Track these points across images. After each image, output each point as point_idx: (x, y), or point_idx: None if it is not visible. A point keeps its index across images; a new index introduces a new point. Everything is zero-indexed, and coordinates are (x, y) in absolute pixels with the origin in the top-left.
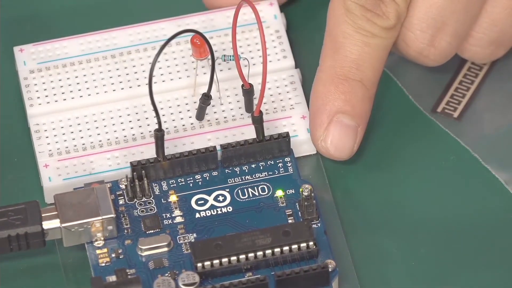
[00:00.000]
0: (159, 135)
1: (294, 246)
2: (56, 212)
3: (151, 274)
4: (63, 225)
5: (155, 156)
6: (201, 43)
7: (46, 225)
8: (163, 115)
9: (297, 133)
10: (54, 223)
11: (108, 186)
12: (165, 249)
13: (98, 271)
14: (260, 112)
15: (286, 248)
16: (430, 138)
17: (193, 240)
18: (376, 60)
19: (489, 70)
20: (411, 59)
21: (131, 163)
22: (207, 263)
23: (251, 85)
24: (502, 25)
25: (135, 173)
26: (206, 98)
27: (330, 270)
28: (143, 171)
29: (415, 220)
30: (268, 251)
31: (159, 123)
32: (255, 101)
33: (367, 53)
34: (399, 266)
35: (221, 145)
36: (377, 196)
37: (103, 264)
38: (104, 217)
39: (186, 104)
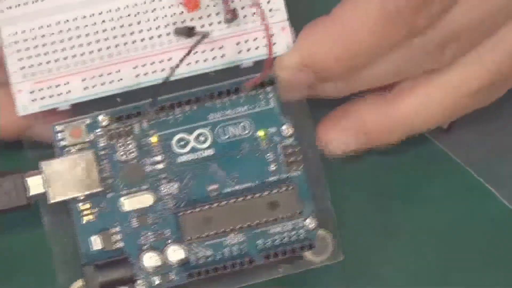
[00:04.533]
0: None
1: (282, 216)
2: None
3: (135, 233)
4: (52, 201)
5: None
6: None
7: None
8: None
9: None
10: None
11: (87, 122)
12: (148, 204)
13: (83, 230)
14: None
15: (272, 219)
16: (421, 151)
17: (175, 193)
18: None
19: None
20: None
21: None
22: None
23: None
24: None
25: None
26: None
27: (312, 228)
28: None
29: (412, 233)
30: (256, 222)
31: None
32: None
33: None
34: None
35: None
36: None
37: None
38: (92, 191)
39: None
